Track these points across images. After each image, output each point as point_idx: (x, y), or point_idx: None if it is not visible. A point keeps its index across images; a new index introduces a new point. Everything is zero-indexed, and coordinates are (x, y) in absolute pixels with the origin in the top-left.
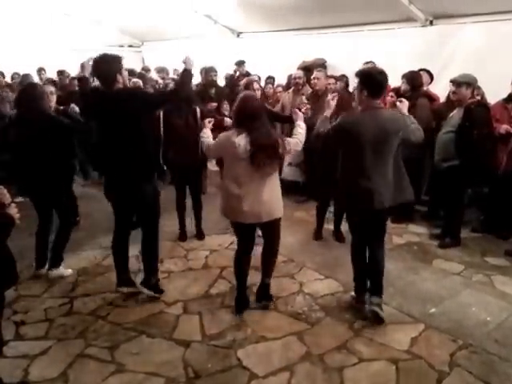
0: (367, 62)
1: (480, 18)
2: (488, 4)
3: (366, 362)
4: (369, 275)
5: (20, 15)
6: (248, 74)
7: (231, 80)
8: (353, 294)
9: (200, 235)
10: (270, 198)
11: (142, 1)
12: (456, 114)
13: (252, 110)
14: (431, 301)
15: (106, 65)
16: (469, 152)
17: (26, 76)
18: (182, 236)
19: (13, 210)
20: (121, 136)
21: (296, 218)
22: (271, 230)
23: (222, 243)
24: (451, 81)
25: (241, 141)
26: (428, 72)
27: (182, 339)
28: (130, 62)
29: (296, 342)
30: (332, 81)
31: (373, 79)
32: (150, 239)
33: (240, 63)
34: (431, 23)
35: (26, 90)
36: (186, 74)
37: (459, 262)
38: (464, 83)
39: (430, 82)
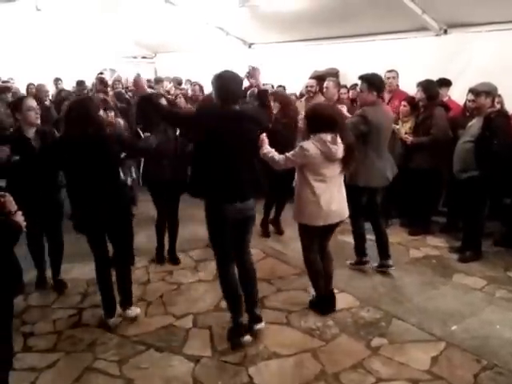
0: (390, 71)
1: (494, 26)
2: (502, 13)
3: (384, 382)
4: (378, 244)
5: (35, 26)
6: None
7: None
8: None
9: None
10: (344, 196)
11: (156, 14)
12: (475, 124)
13: (337, 113)
14: (452, 318)
15: (238, 83)
16: (489, 162)
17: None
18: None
19: (19, 218)
20: (241, 155)
21: None
22: (334, 230)
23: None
24: (470, 90)
25: (338, 141)
26: (445, 83)
27: (192, 354)
28: (143, 72)
29: (310, 359)
30: (344, 90)
31: (380, 83)
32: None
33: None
34: (445, 32)
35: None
36: (264, 94)
37: (481, 276)
38: (483, 92)
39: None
